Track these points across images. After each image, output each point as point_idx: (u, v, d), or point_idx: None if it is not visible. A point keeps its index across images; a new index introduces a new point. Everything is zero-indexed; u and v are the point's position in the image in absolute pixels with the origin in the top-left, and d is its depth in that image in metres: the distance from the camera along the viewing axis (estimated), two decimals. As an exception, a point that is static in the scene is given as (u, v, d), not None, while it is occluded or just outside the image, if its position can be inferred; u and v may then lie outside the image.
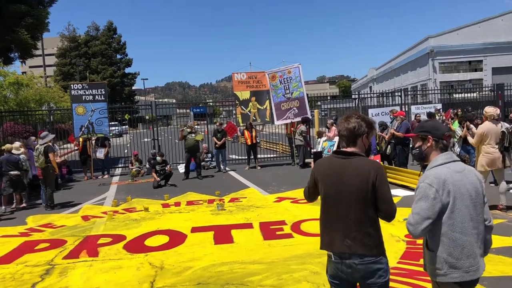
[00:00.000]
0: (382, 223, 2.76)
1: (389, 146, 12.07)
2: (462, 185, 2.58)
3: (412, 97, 22.91)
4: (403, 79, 57.18)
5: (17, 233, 8.09)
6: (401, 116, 12.17)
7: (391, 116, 13.59)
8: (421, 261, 5.17)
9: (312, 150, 14.90)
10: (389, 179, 9.42)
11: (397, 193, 9.47)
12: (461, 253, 2.55)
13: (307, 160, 15.04)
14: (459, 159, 2.75)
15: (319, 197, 2.95)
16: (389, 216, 2.69)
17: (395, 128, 11.96)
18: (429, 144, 2.76)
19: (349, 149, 2.81)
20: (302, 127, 15.20)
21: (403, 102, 19.31)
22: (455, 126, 11.75)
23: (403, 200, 8.88)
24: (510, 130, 7.76)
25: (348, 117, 2.87)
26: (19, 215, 9.86)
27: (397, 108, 17.42)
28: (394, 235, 6.42)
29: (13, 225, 8.89)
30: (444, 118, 15.04)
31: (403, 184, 10.26)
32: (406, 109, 18.90)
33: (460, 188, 2.57)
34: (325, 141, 14.35)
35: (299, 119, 15.89)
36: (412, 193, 9.35)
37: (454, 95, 24.63)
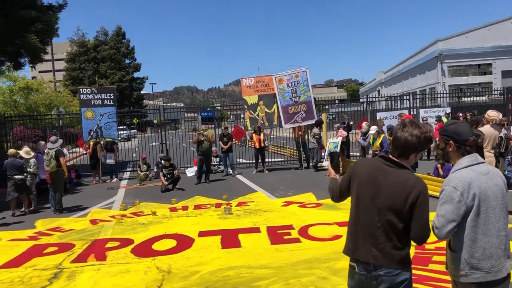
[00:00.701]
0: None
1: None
2: (488, 188, 2.55)
3: (420, 101, 22.82)
4: (412, 82, 56.88)
5: (26, 237, 8.15)
6: None
7: (399, 120, 13.53)
8: (430, 266, 5.15)
9: (323, 153, 14.89)
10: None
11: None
12: (482, 254, 2.53)
13: (319, 164, 14.92)
14: (483, 160, 2.71)
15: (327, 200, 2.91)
16: (420, 240, 2.56)
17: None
18: (450, 149, 2.72)
19: (398, 159, 2.63)
20: (315, 130, 15.16)
21: (411, 105, 19.21)
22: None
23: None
24: (507, 135, 7.72)
25: (412, 126, 2.61)
26: (28, 219, 9.92)
27: (406, 111, 17.34)
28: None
29: (22, 228, 8.96)
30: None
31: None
32: (415, 113, 18.81)
33: (485, 190, 2.54)
34: (331, 143, 14.33)
35: (306, 123, 15.87)
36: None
37: (463, 98, 24.49)
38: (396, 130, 2.66)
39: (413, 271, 5.21)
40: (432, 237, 2.64)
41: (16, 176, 10.42)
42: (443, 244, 3.04)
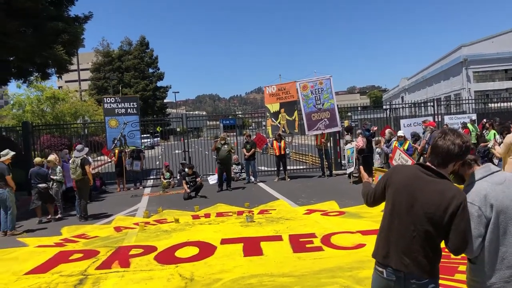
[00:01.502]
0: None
1: (421, 157, 11.83)
2: (505, 197, 2.49)
3: (445, 107, 22.42)
4: (436, 89, 56.07)
5: (52, 243, 8.32)
6: (431, 127, 11.93)
7: (423, 127, 13.34)
8: (456, 276, 5.04)
9: (343, 162, 14.75)
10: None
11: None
12: (500, 264, 2.49)
13: (348, 171, 14.59)
14: (498, 169, 2.66)
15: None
16: (457, 251, 2.52)
17: (426, 139, 11.73)
18: (456, 167, 2.66)
19: (438, 169, 2.58)
20: (347, 137, 15.01)
21: (436, 112, 18.90)
22: (491, 137, 11.44)
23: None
24: None
25: (454, 135, 2.56)
26: (55, 226, 10.12)
27: (430, 118, 17.08)
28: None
29: (49, 235, 9.15)
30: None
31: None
32: (439, 120, 18.51)
33: (503, 200, 2.49)
34: (348, 149, 14.21)
35: (329, 130, 15.80)
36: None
37: (490, 104, 23.96)
38: (437, 138, 2.61)
39: (440, 281, 5.11)
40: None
41: (40, 185, 10.66)
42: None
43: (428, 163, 2.65)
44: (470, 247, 2.49)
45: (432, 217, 2.48)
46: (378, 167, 12.29)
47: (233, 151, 14.41)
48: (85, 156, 10.81)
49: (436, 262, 2.57)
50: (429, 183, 2.54)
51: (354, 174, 13.64)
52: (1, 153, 9.79)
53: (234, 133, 21.50)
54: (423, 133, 12.99)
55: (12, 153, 9.86)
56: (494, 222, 2.47)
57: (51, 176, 11.03)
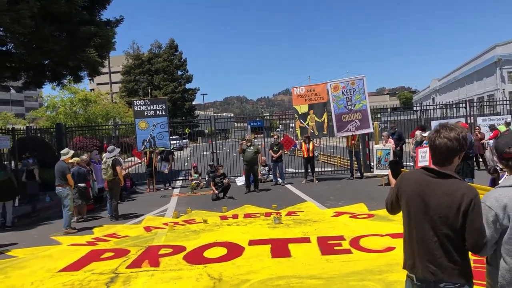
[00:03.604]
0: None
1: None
2: None
3: (478, 109, 21.85)
4: (468, 89, 54.64)
5: (84, 242, 8.53)
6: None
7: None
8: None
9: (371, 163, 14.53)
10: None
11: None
12: None
13: (376, 172, 14.27)
14: None
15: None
16: (474, 248, 2.46)
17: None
18: (501, 166, 2.64)
19: (441, 168, 2.55)
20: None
21: (468, 113, 18.44)
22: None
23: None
24: None
25: (447, 130, 2.54)
26: (87, 225, 10.37)
27: (462, 120, 16.68)
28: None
29: (81, 234, 9.38)
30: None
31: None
32: (472, 121, 18.05)
33: None
34: (379, 150, 13.92)
35: (360, 132, 15.56)
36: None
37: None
38: (433, 138, 2.57)
39: (474, 287, 4.98)
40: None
41: (80, 184, 10.93)
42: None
43: (432, 166, 2.61)
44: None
45: (446, 219, 2.44)
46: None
47: (259, 152, 14.43)
48: (116, 157, 11.02)
49: (464, 265, 2.50)
50: (437, 186, 2.51)
51: (385, 176, 13.41)
52: (61, 152, 10.13)
53: (262, 135, 21.51)
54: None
55: (72, 152, 10.19)
56: (510, 234, 2.42)
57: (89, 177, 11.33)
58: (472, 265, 5.62)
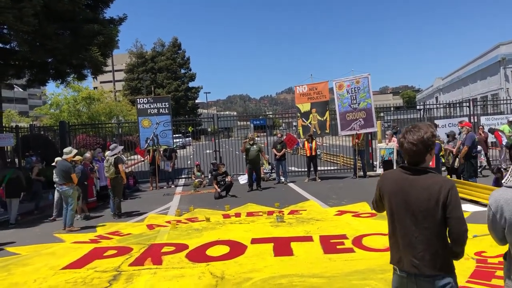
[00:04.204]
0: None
1: (457, 159, 11.52)
2: None
3: (481, 108, 21.77)
4: (472, 89, 54.40)
5: (87, 240, 8.55)
6: (467, 127, 11.58)
7: (459, 128, 12.97)
8: (493, 281, 4.89)
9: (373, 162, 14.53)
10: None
11: (467, 209, 8.99)
12: None
13: (379, 171, 14.23)
14: None
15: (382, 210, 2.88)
16: (458, 240, 2.53)
17: (461, 140, 11.42)
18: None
19: (417, 166, 2.65)
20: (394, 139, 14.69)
21: (471, 113, 18.37)
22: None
23: (473, 216, 8.39)
24: None
25: (411, 133, 2.65)
26: (90, 223, 10.39)
27: (466, 119, 16.62)
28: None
29: (84, 232, 9.41)
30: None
31: (472, 199, 9.72)
32: (475, 120, 17.98)
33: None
34: (382, 149, 13.90)
35: (364, 131, 15.49)
36: (482, 208, 8.88)
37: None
38: (401, 142, 2.71)
39: (475, 286, 4.98)
40: (495, 251, 2.55)
41: (85, 182, 10.95)
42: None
43: (407, 163, 2.72)
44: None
45: (426, 213, 2.54)
46: None
47: (262, 151, 14.43)
48: (118, 155, 11.02)
49: (446, 257, 2.58)
50: (414, 182, 2.61)
51: None
52: (64, 150, 10.13)
53: (265, 133, 21.51)
54: (459, 133, 12.64)
55: (75, 151, 10.21)
56: (508, 232, 2.44)
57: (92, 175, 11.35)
58: (475, 264, 5.65)
